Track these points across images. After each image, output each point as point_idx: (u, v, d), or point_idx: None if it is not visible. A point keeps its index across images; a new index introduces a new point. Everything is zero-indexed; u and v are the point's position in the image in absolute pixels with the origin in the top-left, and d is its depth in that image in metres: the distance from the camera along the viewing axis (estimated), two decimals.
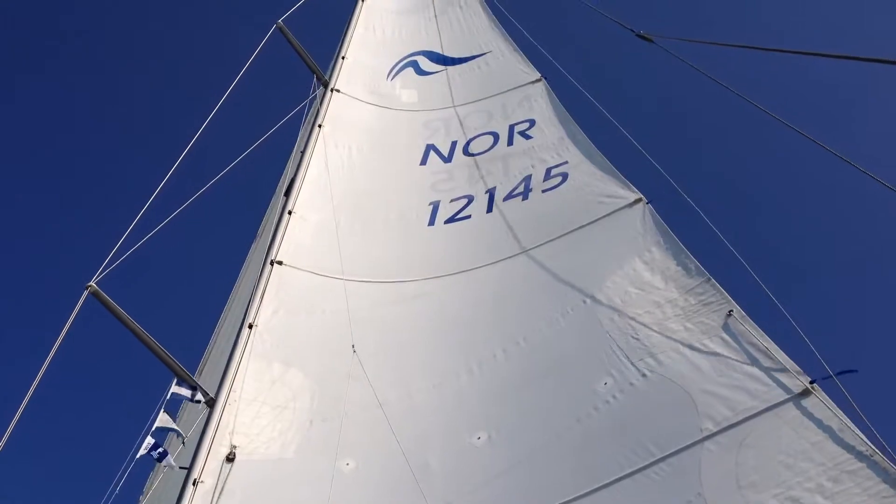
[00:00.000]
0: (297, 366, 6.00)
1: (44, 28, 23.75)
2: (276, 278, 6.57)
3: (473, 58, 10.58)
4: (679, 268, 5.86)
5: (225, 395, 5.54)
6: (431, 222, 7.68)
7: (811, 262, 20.03)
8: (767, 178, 21.10)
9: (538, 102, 9.17)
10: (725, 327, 5.14)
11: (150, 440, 5.31)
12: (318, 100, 9.05)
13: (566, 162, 7.93)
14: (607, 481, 4.59)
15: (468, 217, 7.66)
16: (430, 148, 8.78)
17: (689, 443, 4.52)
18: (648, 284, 5.88)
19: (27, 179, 21.72)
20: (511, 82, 9.69)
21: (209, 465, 5.11)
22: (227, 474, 5.10)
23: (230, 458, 5.20)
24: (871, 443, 4.02)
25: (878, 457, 3.92)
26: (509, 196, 7.79)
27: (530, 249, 6.95)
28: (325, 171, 8.02)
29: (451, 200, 7.91)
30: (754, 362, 4.78)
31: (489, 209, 7.72)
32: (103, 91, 23.81)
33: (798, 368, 4.61)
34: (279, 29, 9.45)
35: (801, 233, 20.81)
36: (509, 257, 6.96)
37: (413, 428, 5.47)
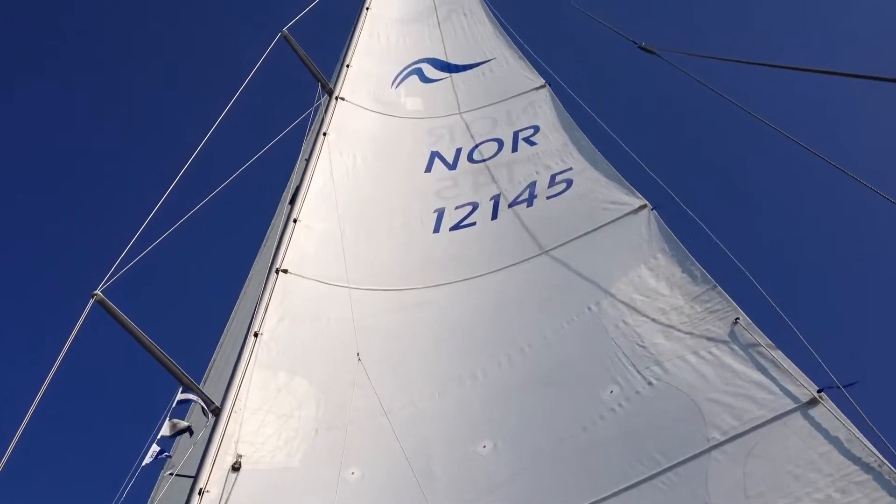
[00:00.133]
0: (302, 374, 6.00)
1: (48, 31, 23.87)
2: (281, 287, 6.58)
3: (478, 65, 10.60)
4: (685, 275, 5.84)
5: (230, 404, 5.54)
6: (436, 229, 7.68)
7: (817, 268, 19.99)
8: (769, 186, 21.16)
9: (542, 109, 9.18)
10: (732, 335, 5.11)
11: (155, 448, 5.32)
12: (323, 108, 9.07)
13: (570, 168, 7.93)
14: (613, 491, 4.55)
15: (473, 224, 7.66)
16: (435, 155, 8.79)
17: (695, 452, 4.49)
18: (654, 291, 5.86)
19: (33, 187, 21.83)
20: (515, 89, 9.70)
21: (215, 475, 5.09)
22: (233, 483, 5.09)
23: (236, 468, 5.19)
24: (880, 453, 3.99)
25: (887, 468, 3.89)
26: (514, 203, 7.79)
27: (535, 256, 6.94)
28: (329, 180, 8.03)
29: (456, 207, 7.91)
30: (761, 371, 4.75)
31: (494, 216, 7.72)
32: (110, 100, 23.94)
33: (805, 377, 4.58)
34: (284, 37, 9.47)
35: (805, 240, 20.82)
36: (514, 264, 6.95)
37: (418, 436, 5.46)
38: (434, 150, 8.88)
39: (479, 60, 10.66)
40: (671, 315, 5.56)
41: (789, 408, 4.44)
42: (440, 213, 7.85)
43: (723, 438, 4.48)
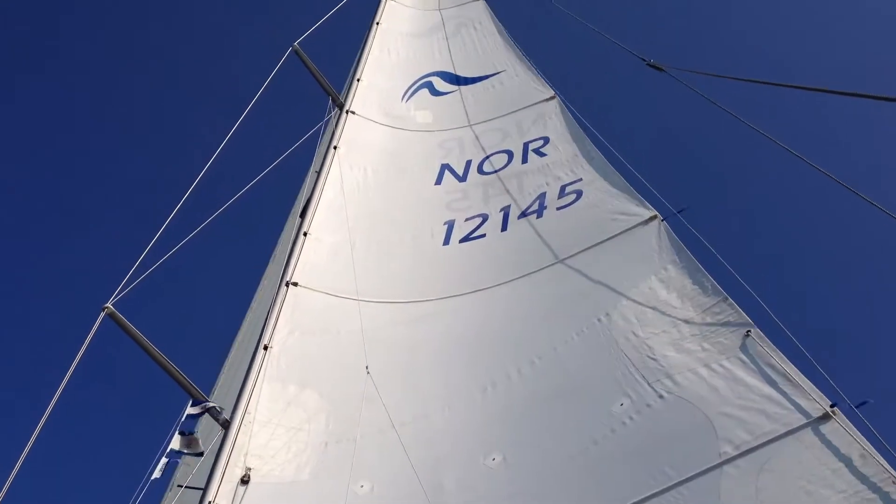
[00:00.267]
0: (312, 387, 5.99)
1: (53, 37, 24.15)
2: (291, 299, 6.58)
3: (488, 77, 10.63)
4: (695, 286, 5.79)
5: (240, 417, 5.54)
6: (446, 242, 7.68)
7: (832, 280, 19.86)
8: (779, 201, 21.12)
9: (552, 120, 9.18)
10: (743, 348, 5.06)
11: (164, 461, 5.32)
12: (334, 122, 9.12)
13: (580, 179, 7.91)
14: None
15: (483, 236, 7.65)
16: (445, 167, 8.80)
17: (707, 466, 4.43)
18: (664, 303, 5.82)
19: (45, 201, 22.02)
20: (525, 100, 9.72)
21: (223, 488, 5.08)
22: (242, 497, 5.08)
23: (245, 481, 5.18)
24: (894, 469, 3.92)
25: None
26: (524, 214, 7.78)
27: (544, 268, 6.92)
28: (340, 193, 8.05)
29: (466, 219, 7.91)
30: (773, 385, 4.69)
31: (504, 227, 7.71)
32: (122, 113, 24.16)
33: (818, 391, 4.52)
34: (295, 52, 9.54)
35: (815, 252, 20.70)
36: (524, 276, 6.93)
37: (427, 449, 5.43)
38: (444, 162, 8.89)
39: (488, 73, 10.69)
40: (682, 327, 5.51)
41: (802, 423, 4.39)
42: (450, 226, 7.84)
43: (735, 453, 4.43)
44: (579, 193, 7.71)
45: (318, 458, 5.50)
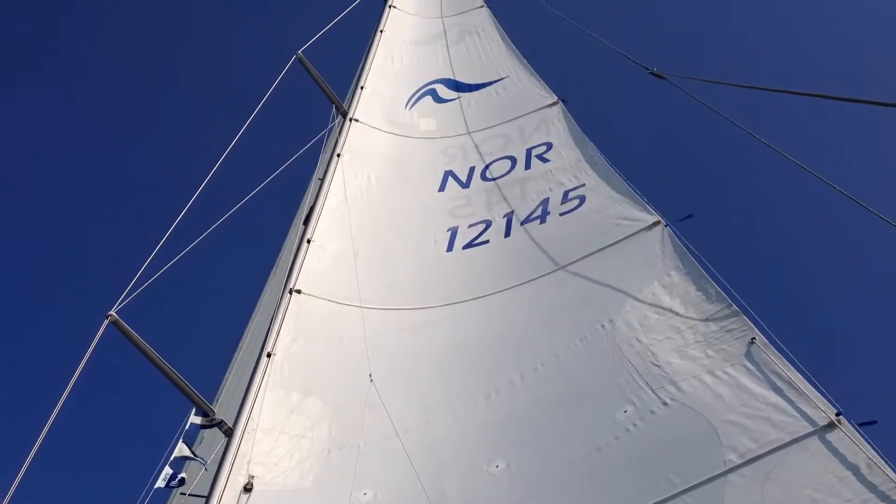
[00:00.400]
0: (315, 394, 5.98)
1: (61, 50, 24.28)
2: (294, 307, 6.58)
3: (491, 83, 10.64)
4: (699, 293, 5.77)
5: (243, 425, 5.53)
6: (450, 248, 7.67)
7: (837, 287, 19.80)
8: (783, 209, 21.09)
9: (555, 126, 9.18)
10: (748, 355, 5.03)
11: (168, 470, 5.31)
12: (337, 129, 9.13)
13: (584, 185, 7.90)
14: None
15: (486, 242, 7.64)
16: (449, 174, 8.81)
17: (712, 475, 4.41)
18: (668, 309, 5.80)
19: (48, 208, 22.09)
20: (528, 106, 9.72)
21: (226, 495, 5.07)
22: None
23: (248, 489, 5.17)
24: None
25: None
26: (527, 220, 7.77)
27: (548, 274, 6.91)
28: (343, 200, 8.06)
29: (470, 226, 7.91)
30: (778, 392, 4.66)
31: (507, 234, 7.70)
32: (126, 122, 24.23)
33: (823, 400, 4.49)
34: (299, 60, 9.56)
35: (812, 259, 20.65)
36: (527, 282, 6.92)
37: (431, 456, 5.41)
38: (448, 169, 8.89)
39: (492, 79, 10.70)
40: (686, 334, 5.49)
41: (807, 431, 4.36)
42: (453, 232, 7.84)
43: (739, 461, 4.40)
44: (582, 199, 7.70)
45: (321, 465, 5.48)
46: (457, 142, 9.43)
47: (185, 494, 5.91)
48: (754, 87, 6.66)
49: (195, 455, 5.50)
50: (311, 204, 7.84)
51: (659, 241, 6.51)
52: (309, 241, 7.31)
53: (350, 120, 9.38)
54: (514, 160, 8.81)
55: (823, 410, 4.44)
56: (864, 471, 4.01)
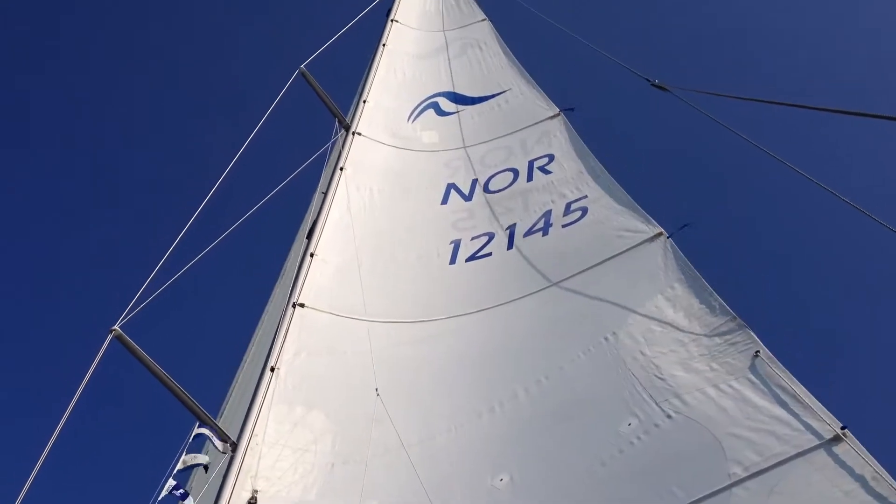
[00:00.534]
0: (318, 408, 5.98)
1: (68, 65, 24.40)
2: (297, 320, 6.59)
3: (493, 96, 10.68)
4: (703, 305, 5.77)
5: (247, 439, 5.53)
6: (453, 261, 7.68)
7: (833, 294, 19.77)
8: (787, 222, 21.11)
9: (557, 138, 9.20)
10: (752, 368, 5.02)
11: (171, 482, 5.31)
12: (340, 143, 9.16)
13: (586, 196, 7.92)
14: None
15: (489, 255, 7.65)
16: (451, 187, 8.83)
17: (717, 488, 4.39)
18: (672, 322, 5.79)
19: (53, 223, 22.16)
20: (530, 118, 9.75)
21: None
22: None
23: (252, 503, 5.17)
24: None
25: None
26: (529, 232, 7.78)
27: (550, 286, 6.91)
28: (346, 214, 8.08)
29: (472, 238, 7.92)
30: (783, 405, 4.65)
31: (510, 246, 7.71)
32: (129, 137, 24.31)
33: (828, 413, 4.48)
34: (302, 74, 9.61)
35: (816, 269, 20.62)
36: (529, 294, 6.93)
37: (435, 469, 5.40)
38: (450, 182, 8.92)
39: (494, 92, 10.74)
40: (690, 347, 5.48)
41: (812, 444, 4.34)
42: (456, 245, 7.85)
43: (744, 474, 4.38)
44: (584, 210, 7.71)
45: (325, 479, 5.48)
46: (459, 154, 9.46)
47: None
48: (758, 101, 6.67)
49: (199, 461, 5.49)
50: (315, 217, 7.86)
51: (661, 253, 6.51)
52: (312, 255, 7.33)
53: (353, 133, 9.42)
54: (516, 172, 8.83)
55: (829, 423, 4.42)
56: (871, 484, 3.99)
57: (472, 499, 5.13)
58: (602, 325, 6.12)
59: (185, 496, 5.32)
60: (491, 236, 7.88)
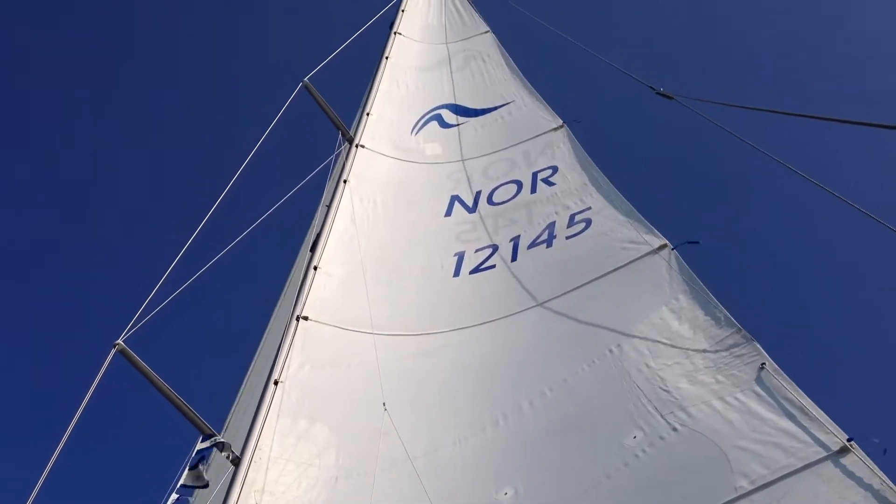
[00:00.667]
0: (322, 422, 5.97)
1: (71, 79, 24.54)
2: (301, 333, 6.59)
3: (496, 108, 10.70)
4: (708, 317, 5.74)
5: (250, 453, 5.52)
6: (457, 273, 7.67)
7: (845, 308, 19.67)
8: (794, 230, 21.04)
9: (560, 149, 9.20)
10: (758, 381, 5.00)
11: (174, 497, 5.30)
12: (343, 155, 9.19)
13: (589, 208, 7.90)
14: None
15: (493, 267, 7.64)
16: (455, 199, 8.84)
17: (723, 501, 4.36)
18: (676, 334, 5.77)
19: (57, 237, 22.24)
20: (533, 130, 9.76)
21: None
22: None
23: None
24: None
25: None
26: (533, 244, 7.77)
27: (555, 298, 6.88)
28: (350, 226, 8.09)
29: (476, 251, 7.91)
30: (789, 417, 4.62)
31: (514, 258, 7.70)
32: (132, 151, 24.39)
33: (834, 425, 4.45)
34: (305, 87, 9.65)
35: (824, 278, 20.52)
36: (534, 306, 6.90)
37: (439, 483, 5.37)
38: (454, 194, 8.93)
39: (497, 104, 10.76)
40: (695, 359, 5.46)
41: (819, 456, 4.31)
42: (460, 257, 7.85)
43: (751, 487, 4.35)
44: (588, 222, 7.70)
45: (329, 493, 5.46)
46: (463, 166, 9.47)
47: None
48: (763, 110, 6.66)
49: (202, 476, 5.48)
50: (318, 230, 7.87)
51: (666, 265, 6.49)
52: (316, 268, 7.33)
53: (356, 146, 9.44)
54: (519, 184, 8.83)
55: (835, 435, 4.40)
56: (877, 497, 3.97)
57: None
58: (606, 337, 6.09)
59: None
60: (495, 248, 7.87)
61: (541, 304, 6.88)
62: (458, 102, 11.06)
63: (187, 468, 5.47)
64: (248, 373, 7.61)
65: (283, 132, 9.06)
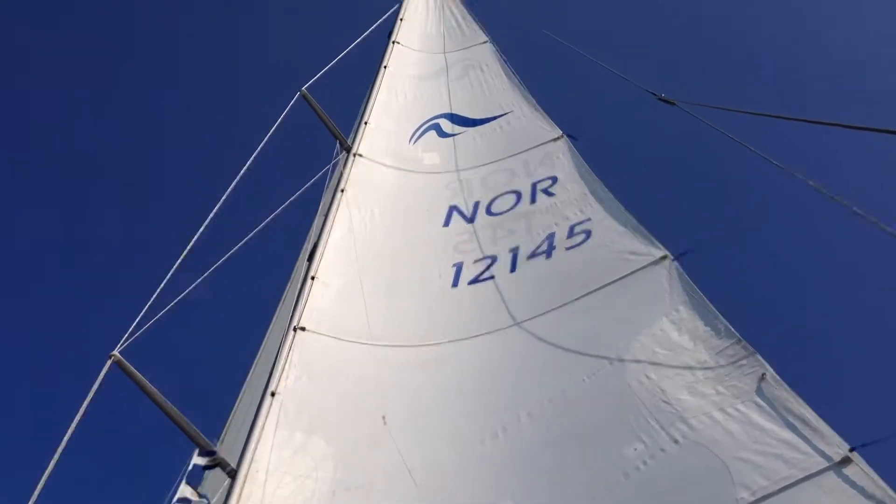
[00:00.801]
0: (319, 434, 5.92)
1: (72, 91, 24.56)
2: (298, 344, 6.54)
3: (495, 118, 10.70)
4: (708, 328, 5.72)
5: (247, 466, 5.46)
6: (455, 284, 7.64)
7: (843, 312, 19.63)
8: (796, 236, 21.01)
9: (560, 160, 9.19)
10: (759, 391, 4.98)
11: None
12: (341, 165, 9.17)
13: (589, 219, 7.88)
14: None
15: (491, 277, 7.61)
16: (453, 209, 8.81)
17: None
18: (677, 345, 5.74)
19: (52, 249, 22.21)
20: (532, 140, 9.75)
21: None
22: None
23: None
24: None
25: None
26: (533, 255, 7.75)
27: (554, 309, 6.85)
28: (347, 236, 8.06)
29: (475, 261, 7.88)
30: (790, 428, 4.61)
31: (513, 269, 7.67)
32: (129, 163, 24.38)
33: (836, 435, 4.44)
34: (303, 96, 9.65)
35: (826, 285, 20.50)
36: (533, 317, 6.87)
37: (439, 495, 5.34)
38: (452, 204, 8.90)
39: (496, 114, 10.77)
40: (696, 370, 5.43)
41: (821, 467, 4.30)
42: (459, 267, 7.81)
43: (752, 499, 4.33)
44: (588, 233, 7.67)
45: None
46: (461, 176, 9.45)
47: None
48: (766, 115, 6.62)
49: (199, 495, 5.44)
50: (316, 240, 7.84)
51: (666, 276, 6.47)
52: (313, 278, 7.30)
53: (354, 155, 9.43)
54: (519, 194, 8.81)
55: (836, 446, 4.39)
56: None
57: None
58: (606, 348, 6.06)
59: None
60: (494, 259, 7.84)
61: (540, 316, 6.85)
62: (456, 112, 11.06)
63: (183, 481, 5.42)
64: (245, 384, 7.57)
65: (281, 141, 9.05)
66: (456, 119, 10.89)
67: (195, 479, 5.52)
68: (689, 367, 5.46)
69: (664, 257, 6.71)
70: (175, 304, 6.50)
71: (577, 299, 6.82)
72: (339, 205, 8.39)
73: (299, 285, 7.23)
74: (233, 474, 5.41)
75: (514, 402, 5.94)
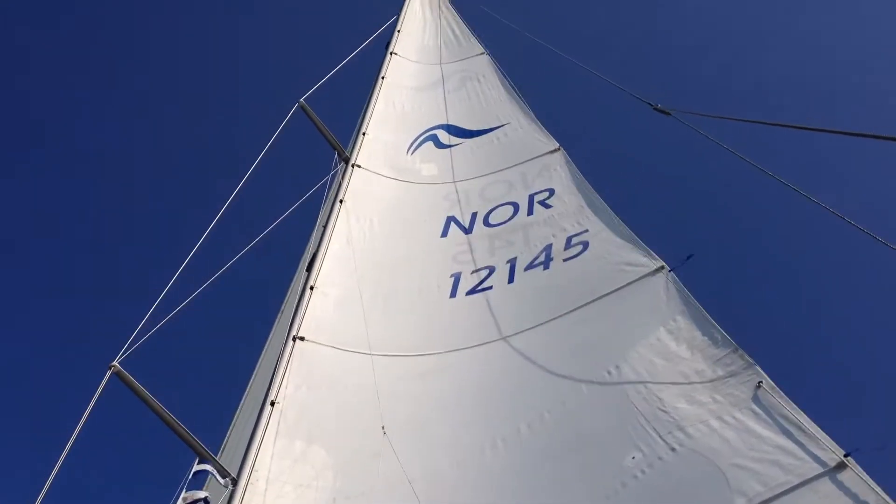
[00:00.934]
0: (319, 443, 5.94)
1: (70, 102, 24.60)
2: (298, 354, 6.57)
3: (492, 129, 10.75)
4: (705, 337, 5.77)
5: (247, 475, 5.48)
6: (453, 294, 7.68)
7: (842, 325, 19.69)
8: (790, 245, 21.08)
9: (557, 172, 9.25)
10: (755, 399, 5.03)
11: None
12: (340, 175, 9.21)
13: (587, 230, 7.94)
14: None
15: (490, 288, 7.65)
16: (451, 220, 8.86)
17: None
18: (674, 355, 5.79)
19: (52, 259, 22.17)
20: (530, 153, 9.81)
21: None
22: None
23: None
24: None
25: None
26: (530, 266, 7.79)
27: (552, 320, 6.89)
28: (346, 246, 8.10)
29: (473, 272, 7.92)
30: (786, 435, 4.66)
31: (510, 280, 7.71)
32: (127, 173, 24.36)
33: (831, 441, 4.49)
34: (301, 107, 9.70)
35: (822, 296, 20.55)
36: (531, 328, 6.91)
37: None
38: (450, 214, 8.95)
39: (493, 125, 10.82)
40: (693, 379, 5.48)
41: (816, 473, 4.34)
42: (457, 278, 7.85)
43: None
44: (585, 245, 7.73)
45: None
46: (459, 187, 9.50)
47: None
48: (762, 123, 6.68)
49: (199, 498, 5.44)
50: (314, 250, 7.87)
51: (663, 286, 6.53)
52: (312, 288, 7.33)
53: (352, 166, 9.47)
54: (516, 206, 8.86)
55: (832, 451, 4.44)
56: None
57: None
58: (604, 358, 6.10)
59: None
60: (491, 270, 7.88)
61: (538, 326, 6.89)
62: (453, 123, 11.11)
63: (184, 491, 5.43)
64: (245, 394, 7.57)
65: (280, 152, 9.09)
66: (453, 130, 10.95)
67: (196, 489, 5.52)
68: (687, 376, 5.51)
69: (661, 268, 6.77)
70: (175, 314, 6.53)
71: (574, 310, 6.86)
72: (337, 215, 8.43)
73: (298, 295, 7.26)
74: (233, 483, 5.42)
75: (514, 413, 5.97)
